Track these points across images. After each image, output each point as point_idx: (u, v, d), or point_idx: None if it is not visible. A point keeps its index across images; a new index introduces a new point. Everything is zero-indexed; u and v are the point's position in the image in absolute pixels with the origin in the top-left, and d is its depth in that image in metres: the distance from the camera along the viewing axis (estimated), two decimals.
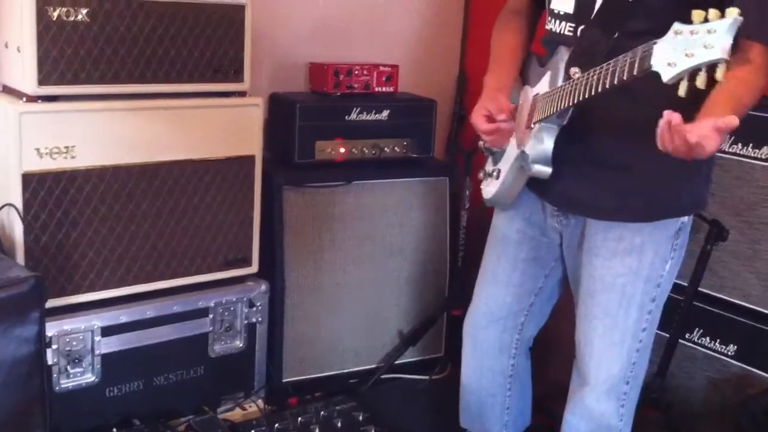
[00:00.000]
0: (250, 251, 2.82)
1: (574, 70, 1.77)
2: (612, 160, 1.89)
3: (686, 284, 2.57)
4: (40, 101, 2.37)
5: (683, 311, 2.56)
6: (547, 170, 1.89)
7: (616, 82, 1.58)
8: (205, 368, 2.78)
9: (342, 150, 2.93)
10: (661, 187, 1.90)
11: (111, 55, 2.43)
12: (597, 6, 1.83)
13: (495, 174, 2.11)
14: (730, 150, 2.52)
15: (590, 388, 2.08)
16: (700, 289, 2.56)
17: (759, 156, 2.47)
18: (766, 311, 2.50)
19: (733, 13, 1.33)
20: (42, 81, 2.34)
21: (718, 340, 2.60)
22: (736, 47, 1.36)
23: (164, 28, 2.50)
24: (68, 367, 2.51)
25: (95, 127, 2.44)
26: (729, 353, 2.58)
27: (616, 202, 1.92)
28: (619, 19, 1.78)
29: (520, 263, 2.17)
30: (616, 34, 1.77)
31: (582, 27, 1.86)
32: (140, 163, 2.54)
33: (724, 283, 2.59)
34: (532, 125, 1.91)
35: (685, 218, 1.98)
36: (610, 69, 1.59)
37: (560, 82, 1.83)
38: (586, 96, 1.68)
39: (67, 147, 2.41)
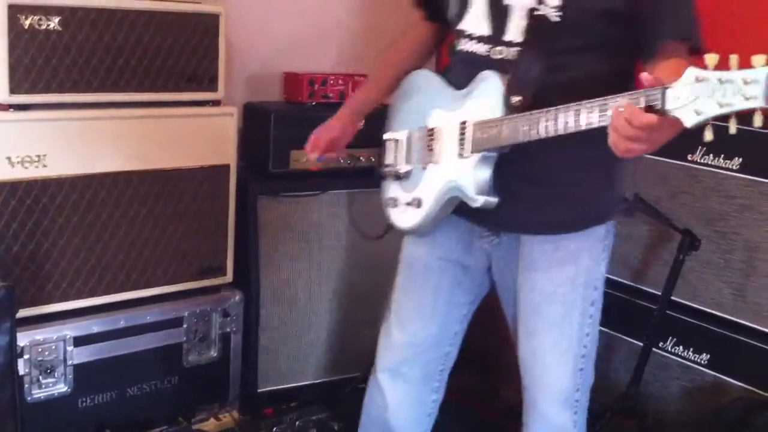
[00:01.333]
0: (225, 260, 2.81)
1: (516, 99, 1.75)
2: (540, 177, 1.85)
3: (659, 293, 2.59)
4: (11, 110, 2.35)
5: (657, 320, 2.58)
6: (495, 200, 1.81)
7: (599, 125, 1.54)
8: (179, 378, 2.76)
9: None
10: (589, 197, 1.91)
11: (83, 63, 2.42)
12: (512, 27, 1.80)
13: (415, 203, 2.00)
14: (702, 161, 2.54)
15: (547, 404, 2.04)
16: (673, 298, 2.58)
17: (730, 167, 2.49)
18: (738, 320, 2.52)
19: (761, 60, 1.32)
20: (13, 89, 2.32)
21: (691, 349, 2.62)
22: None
23: (137, 36, 2.49)
24: (40, 378, 2.49)
25: (67, 136, 2.43)
26: (702, 362, 2.60)
27: (549, 216, 1.90)
28: (549, 40, 1.77)
29: (444, 292, 2.07)
30: (549, 57, 1.77)
31: (517, 51, 1.80)
32: (113, 171, 2.53)
33: (696, 292, 2.61)
34: (467, 155, 1.83)
35: (610, 224, 2.00)
36: (594, 108, 1.55)
37: (499, 112, 1.77)
38: (556, 133, 1.63)
39: (39, 156, 2.39)
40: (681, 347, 2.64)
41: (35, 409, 2.47)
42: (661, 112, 1.42)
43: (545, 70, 1.75)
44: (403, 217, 2.06)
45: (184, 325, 2.73)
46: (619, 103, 1.49)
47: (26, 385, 2.45)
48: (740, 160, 2.46)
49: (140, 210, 2.60)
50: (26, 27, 2.31)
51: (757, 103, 1.32)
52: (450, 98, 1.92)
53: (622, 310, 2.79)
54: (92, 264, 2.55)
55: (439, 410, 2.25)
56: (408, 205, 2.03)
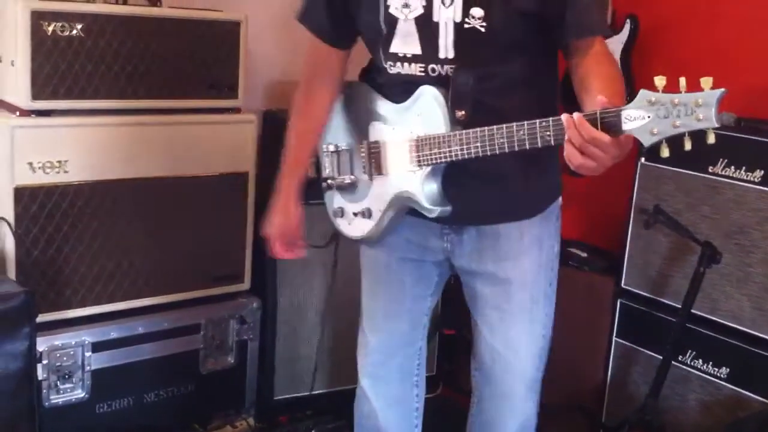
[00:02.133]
0: (243, 268, 2.81)
1: (460, 113, 1.80)
2: (494, 171, 1.88)
3: (679, 306, 2.57)
4: (33, 115, 2.37)
5: (676, 333, 2.56)
6: (449, 209, 1.87)
7: (553, 143, 1.62)
8: (195, 385, 2.77)
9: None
10: (542, 181, 1.99)
11: (105, 70, 2.43)
12: (443, 44, 1.82)
13: (364, 213, 2.03)
14: (723, 173, 2.52)
15: (518, 392, 2.11)
16: (692, 311, 2.56)
17: (752, 179, 2.47)
18: (758, 334, 2.49)
19: (709, 83, 1.42)
20: (35, 95, 2.34)
21: (710, 363, 2.60)
22: None
23: (158, 43, 2.51)
24: (58, 383, 2.50)
25: (88, 142, 2.45)
26: (722, 376, 2.57)
27: (510, 206, 1.96)
28: (479, 51, 1.81)
29: (408, 288, 2.13)
30: (481, 67, 1.81)
31: (453, 67, 1.83)
32: (133, 178, 2.54)
33: (716, 305, 2.59)
34: (415, 168, 1.87)
35: (559, 199, 2.07)
36: (548, 128, 1.62)
37: (444, 127, 1.81)
38: (504, 149, 1.69)
39: (59, 161, 2.41)
40: (700, 360, 2.62)
41: (53, 415, 2.48)
42: (616, 132, 1.51)
43: (480, 80, 1.81)
44: (352, 227, 2.09)
45: (202, 332, 2.74)
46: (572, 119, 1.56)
47: (44, 391, 2.46)
48: (762, 172, 2.44)
49: (159, 216, 2.62)
50: (49, 33, 2.33)
51: (710, 125, 1.42)
52: (390, 112, 1.94)
53: (642, 322, 2.78)
54: (111, 270, 2.56)
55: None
56: (356, 215, 2.07)
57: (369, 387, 2.23)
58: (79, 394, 2.54)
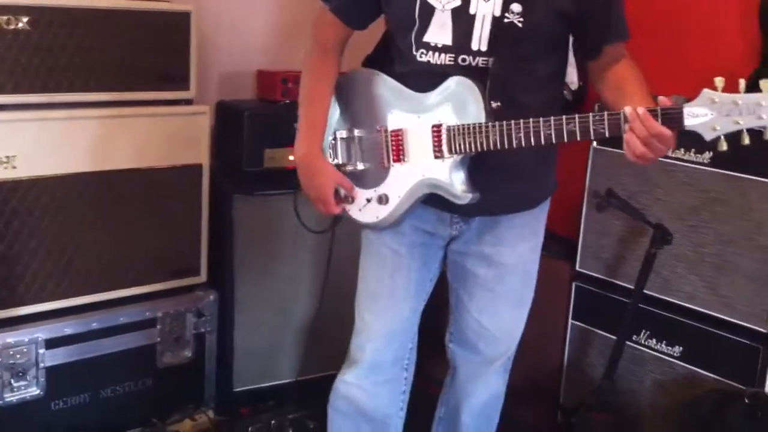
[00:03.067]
0: (199, 260, 2.80)
1: (496, 104, 1.87)
2: (508, 163, 1.96)
3: (632, 287, 2.60)
4: None
5: (630, 314, 2.60)
6: (478, 195, 1.93)
7: (608, 135, 1.73)
8: (153, 380, 2.75)
9: (292, 157, 2.90)
10: (543, 175, 2.12)
11: (53, 63, 2.40)
12: (477, 36, 1.88)
13: (381, 199, 2.04)
14: (674, 155, 2.56)
15: (496, 369, 2.28)
16: (646, 291, 2.60)
17: (702, 161, 2.51)
18: (710, 312, 2.53)
19: (767, 85, 1.58)
20: None
21: (664, 342, 2.64)
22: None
23: (107, 35, 2.48)
24: (12, 381, 2.46)
25: (37, 137, 2.41)
26: (675, 354, 2.61)
27: (518, 197, 2.07)
28: (517, 46, 1.88)
29: (414, 274, 2.16)
30: (518, 62, 1.90)
31: (489, 59, 1.88)
32: (84, 172, 2.51)
33: (669, 286, 2.62)
34: (446, 156, 1.91)
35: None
36: (602, 122, 1.72)
37: (477, 117, 1.85)
38: (551, 140, 1.78)
39: (8, 157, 2.37)
40: (654, 340, 2.66)
41: (7, 413, 2.45)
42: (678, 127, 1.65)
43: (514, 74, 1.89)
44: (363, 213, 2.10)
45: (158, 326, 2.72)
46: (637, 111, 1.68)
47: None
48: (711, 154, 2.48)
49: (112, 211, 2.59)
50: None
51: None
52: (414, 101, 1.97)
53: (597, 304, 2.81)
54: (64, 266, 2.53)
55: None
56: (369, 201, 2.08)
57: (364, 370, 2.22)
58: (34, 391, 2.51)
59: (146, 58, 2.56)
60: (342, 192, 2.09)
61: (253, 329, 2.94)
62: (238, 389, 2.95)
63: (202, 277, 2.82)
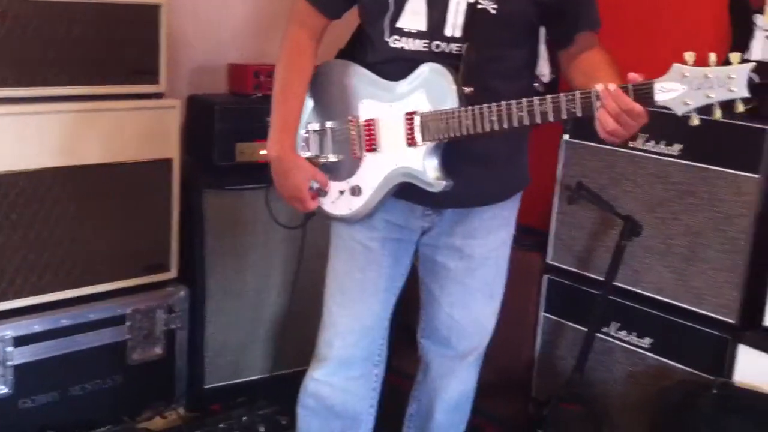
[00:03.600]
0: (169, 256, 2.77)
1: (469, 90, 1.85)
2: (480, 155, 1.97)
3: (602, 279, 2.63)
4: None
5: (600, 305, 2.62)
6: (451, 183, 1.92)
7: (580, 114, 1.72)
8: (123, 377, 2.72)
9: (263, 152, 2.89)
10: (516, 168, 2.13)
11: (21, 57, 2.36)
12: (451, 22, 1.89)
13: (355, 191, 2.04)
14: (644, 147, 2.59)
15: (471, 362, 2.28)
16: (616, 283, 2.62)
17: (671, 153, 2.54)
18: (679, 304, 2.57)
19: (737, 57, 1.56)
20: None
21: (634, 333, 2.67)
22: None
23: (77, 29, 2.45)
24: None
25: (6, 131, 2.37)
26: (645, 346, 2.64)
27: (490, 189, 2.07)
28: (490, 33, 1.89)
29: (385, 268, 2.14)
30: (490, 48, 1.90)
31: (461, 45, 1.89)
32: (53, 167, 2.48)
33: (639, 277, 2.65)
34: (419, 144, 1.91)
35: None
36: (574, 101, 1.71)
37: (451, 103, 1.85)
38: (524, 123, 1.77)
39: None
40: (624, 332, 2.69)
41: None
42: (649, 103, 1.64)
43: (488, 61, 1.89)
44: (336, 205, 2.09)
45: (128, 323, 2.69)
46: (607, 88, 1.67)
47: None
48: (681, 146, 2.51)
49: (81, 206, 2.55)
50: None
51: (742, 94, 1.56)
52: (386, 89, 1.97)
53: (568, 296, 2.84)
54: (32, 262, 2.49)
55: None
56: (342, 193, 2.07)
57: (332, 367, 2.19)
58: (2, 389, 2.46)
59: (116, 52, 2.53)
60: (315, 185, 2.07)
61: (224, 325, 2.92)
62: (209, 386, 2.92)
63: (173, 272, 2.80)
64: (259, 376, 3.01)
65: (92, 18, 2.47)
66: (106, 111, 2.55)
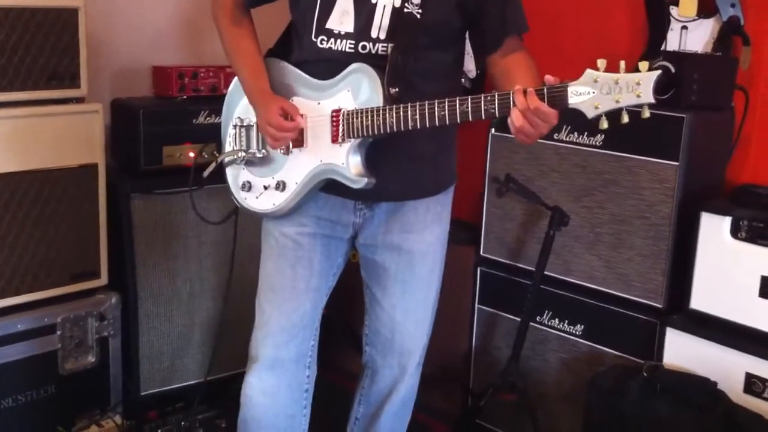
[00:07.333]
0: (98, 263, 2.73)
1: (394, 90, 1.90)
2: (409, 150, 2.02)
3: (533, 269, 2.66)
4: None
5: (532, 295, 2.65)
6: (374, 180, 1.95)
7: (498, 115, 1.77)
8: (56, 387, 2.68)
9: (191, 154, 2.87)
10: (446, 162, 2.16)
11: None
12: (377, 24, 1.93)
13: (278, 186, 2.06)
14: (567, 138, 2.62)
15: (414, 362, 2.28)
16: (547, 273, 2.66)
17: (594, 143, 2.58)
18: (609, 291, 2.61)
19: (645, 66, 1.62)
20: None
21: (566, 321, 2.71)
22: None
23: None
24: None
25: None
26: (577, 333, 2.68)
27: (422, 183, 2.11)
28: (414, 36, 1.93)
29: (316, 265, 2.15)
30: (414, 51, 1.94)
31: (387, 46, 1.93)
32: None
33: (569, 266, 2.69)
34: (343, 141, 1.94)
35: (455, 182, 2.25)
36: (493, 102, 1.76)
37: (376, 102, 1.89)
38: (445, 122, 1.81)
39: None
40: (557, 320, 2.73)
41: None
42: (562, 105, 1.70)
43: (412, 62, 1.93)
44: (260, 201, 2.12)
45: (58, 332, 2.65)
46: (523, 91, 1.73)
47: None
48: (602, 136, 2.55)
49: (5, 215, 2.51)
50: None
51: (648, 100, 1.62)
52: (315, 87, 2.01)
53: (502, 288, 2.87)
54: None
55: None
56: (266, 188, 2.10)
57: (264, 369, 2.19)
58: None
59: (34, 57, 2.48)
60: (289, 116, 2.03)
61: (158, 331, 2.88)
62: (145, 392, 2.89)
63: (103, 279, 2.76)
64: (196, 381, 2.98)
65: (9, 23, 2.42)
66: (25, 117, 2.50)
